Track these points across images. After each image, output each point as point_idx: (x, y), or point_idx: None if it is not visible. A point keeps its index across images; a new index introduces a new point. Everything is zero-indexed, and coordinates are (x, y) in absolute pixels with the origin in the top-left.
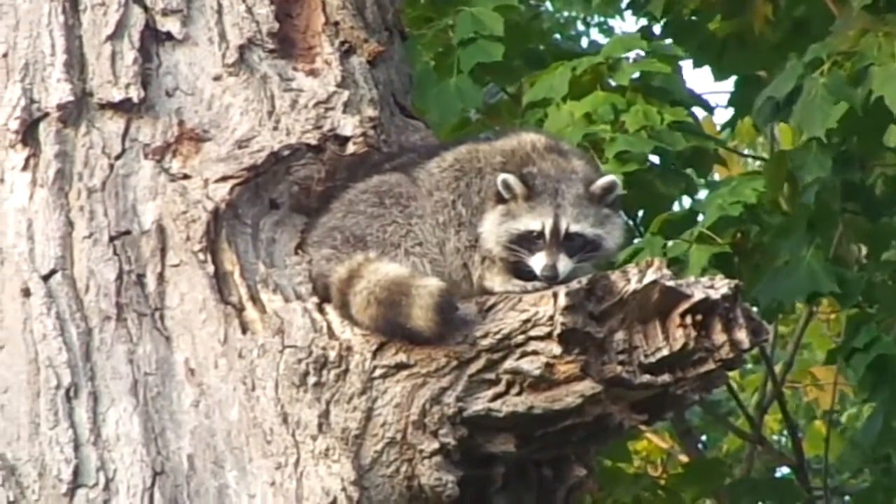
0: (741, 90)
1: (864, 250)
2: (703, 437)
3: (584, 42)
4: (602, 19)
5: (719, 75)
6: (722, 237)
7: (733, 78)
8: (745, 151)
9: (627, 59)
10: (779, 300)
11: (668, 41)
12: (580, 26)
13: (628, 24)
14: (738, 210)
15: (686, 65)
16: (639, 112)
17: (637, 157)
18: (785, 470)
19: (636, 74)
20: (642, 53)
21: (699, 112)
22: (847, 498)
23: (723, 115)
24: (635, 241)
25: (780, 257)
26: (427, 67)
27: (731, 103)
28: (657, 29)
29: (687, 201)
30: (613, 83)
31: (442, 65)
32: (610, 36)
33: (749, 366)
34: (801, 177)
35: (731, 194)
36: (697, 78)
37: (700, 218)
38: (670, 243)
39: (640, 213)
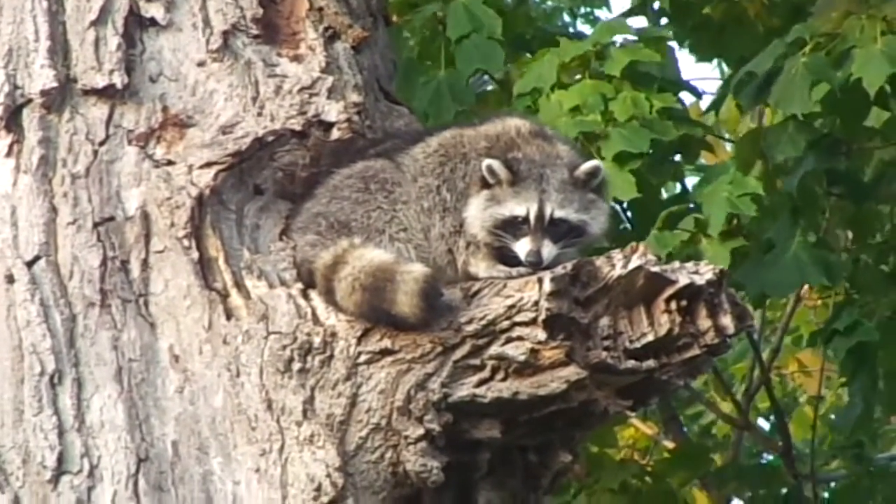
0: (736, 74)
1: (850, 235)
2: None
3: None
4: (588, 10)
5: (707, 58)
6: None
7: (722, 66)
8: (731, 137)
9: (615, 43)
10: (766, 292)
11: (663, 21)
12: (566, 17)
13: (615, 14)
14: (750, 207)
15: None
16: (627, 100)
17: (636, 155)
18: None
19: (625, 63)
20: (630, 38)
21: (686, 99)
22: (833, 484)
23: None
24: (622, 227)
25: (761, 237)
26: (412, 57)
27: (723, 87)
28: (655, 6)
29: (674, 188)
30: (603, 71)
31: (427, 52)
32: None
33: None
34: (773, 156)
35: (737, 187)
36: (685, 63)
37: (694, 207)
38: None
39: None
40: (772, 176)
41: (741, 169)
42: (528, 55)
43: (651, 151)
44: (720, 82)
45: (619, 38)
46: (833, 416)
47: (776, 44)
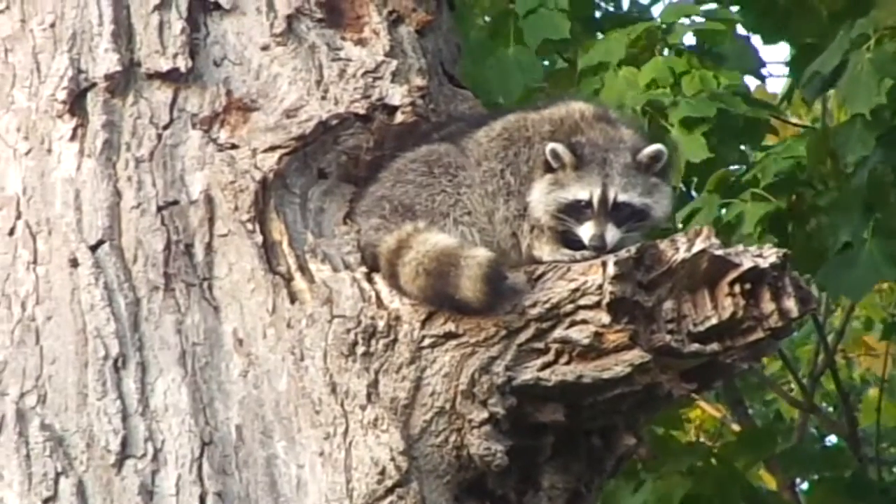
0: (800, 59)
1: None
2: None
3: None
4: None
5: (772, 41)
6: (778, 199)
7: (786, 49)
8: (797, 120)
9: (683, 23)
10: (845, 295)
11: (733, 8)
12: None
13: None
14: (790, 164)
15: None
16: (695, 77)
17: (703, 121)
18: (833, 439)
19: (692, 39)
20: (698, 20)
21: (750, 82)
22: None
23: (774, 84)
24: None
25: (836, 235)
26: (481, 36)
27: (791, 72)
28: None
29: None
30: (668, 48)
31: (499, 32)
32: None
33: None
34: (844, 155)
35: (785, 151)
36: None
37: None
38: (724, 210)
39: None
40: (843, 172)
41: (811, 164)
42: (600, 35)
43: (719, 126)
44: (784, 66)
45: (686, 21)
46: None
47: (841, 38)
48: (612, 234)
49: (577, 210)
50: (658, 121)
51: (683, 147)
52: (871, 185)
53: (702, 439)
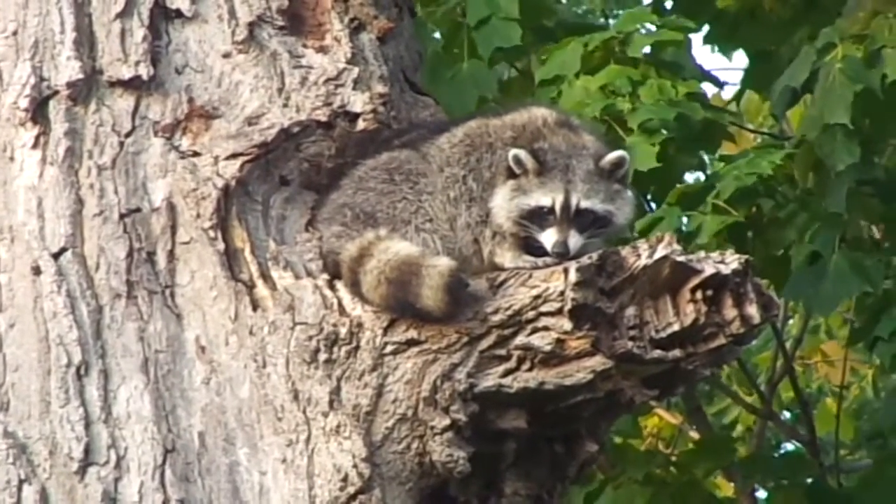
0: (755, 66)
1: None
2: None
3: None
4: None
5: (728, 50)
6: (737, 210)
7: (741, 57)
8: (752, 127)
9: (640, 31)
10: (815, 310)
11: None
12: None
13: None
14: (752, 180)
15: (695, 41)
16: (653, 86)
17: (662, 126)
18: (789, 446)
19: (647, 48)
20: (653, 28)
21: (708, 90)
22: (857, 475)
23: (731, 92)
24: (648, 213)
25: (802, 247)
26: (438, 51)
27: (746, 80)
28: (668, 5)
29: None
30: (627, 55)
31: (452, 44)
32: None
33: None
34: (832, 163)
35: (748, 166)
36: (705, 56)
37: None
38: (686, 218)
39: (652, 187)
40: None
41: (799, 178)
42: (552, 45)
43: (677, 133)
44: (734, 73)
45: (642, 30)
46: (856, 407)
47: (807, 51)
48: (574, 240)
49: (539, 216)
50: (615, 128)
51: (636, 155)
52: (847, 197)
53: (659, 447)
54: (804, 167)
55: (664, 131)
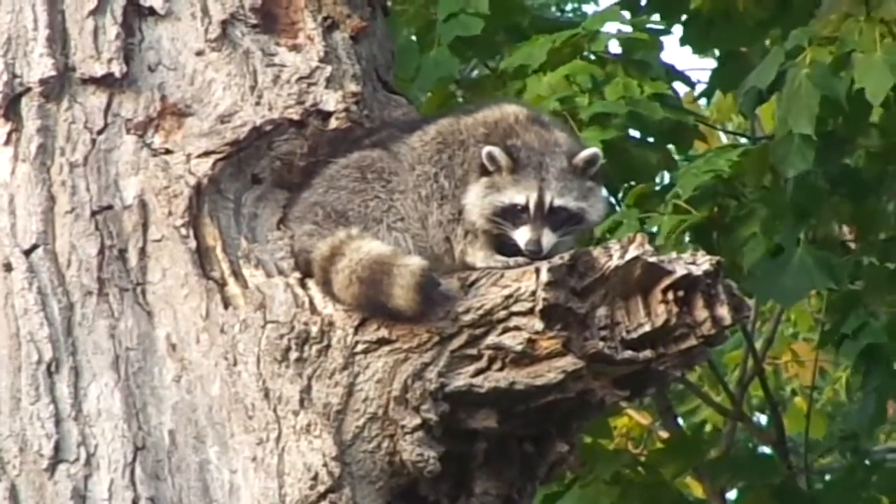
0: (724, 66)
1: (845, 230)
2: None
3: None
4: (576, 5)
5: (702, 50)
6: (699, 211)
7: (715, 56)
8: (720, 127)
9: (608, 31)
10: (777, 302)
11: (654, 17)
12: (554, 11)
13: (602, 7)
14: (709, 177)
15: (667, 42)
16: (619, 84)
17: (615, 123)
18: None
19: (617, 48)
20: (623, 28)
21: (680, 89)
22: (827, 477)
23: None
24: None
25: (764, 241)
26: (408, 41)
27: (714, 80)
28: (643, 2)
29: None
30: (592, 55)
31: (424, 41)
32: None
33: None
34: (785, 170)
35: (706, 164)
36: (678, 55)
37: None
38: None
39: (623, 186)
40: (781, 183)
41: (751, 180)
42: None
43: (639, 133)
44: (709, 73)
45: (612, 29)
46: (830, 409)
47: (777, 51)
48: (547, 238)
49: (513, 214)
50: (571, 123)
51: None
52: (805, 190)
53: (628, 447)
54: (760, 167)
55: (620, 126)
